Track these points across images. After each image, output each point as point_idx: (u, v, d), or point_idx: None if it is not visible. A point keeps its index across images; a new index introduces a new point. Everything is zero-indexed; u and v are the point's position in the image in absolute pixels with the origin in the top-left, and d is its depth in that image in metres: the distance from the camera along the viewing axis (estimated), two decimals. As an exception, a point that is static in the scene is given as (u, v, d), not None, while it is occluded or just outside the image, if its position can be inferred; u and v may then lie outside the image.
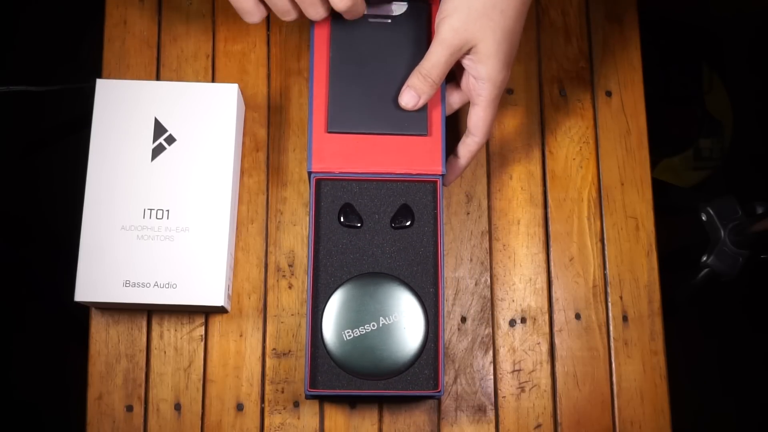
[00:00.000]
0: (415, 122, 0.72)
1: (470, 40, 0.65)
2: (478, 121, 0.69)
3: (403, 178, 0.72)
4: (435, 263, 0.71)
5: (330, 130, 0.71)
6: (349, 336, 0.67)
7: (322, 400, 0.75)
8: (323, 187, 0.72)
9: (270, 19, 0.84)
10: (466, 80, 0.70)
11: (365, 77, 0.73)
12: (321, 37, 0.74)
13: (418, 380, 0.69)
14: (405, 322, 0.68)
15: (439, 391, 0.68)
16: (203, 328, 0.76)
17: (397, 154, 0.72)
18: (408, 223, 0.72)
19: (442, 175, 0.72)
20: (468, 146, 0.71)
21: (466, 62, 0.67)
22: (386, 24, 0.74)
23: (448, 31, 0.65)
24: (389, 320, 0.68)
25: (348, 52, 0.73)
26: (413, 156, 0.72)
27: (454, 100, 0.74)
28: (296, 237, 0.79)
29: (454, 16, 0.64)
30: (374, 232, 0.72)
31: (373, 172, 0.72)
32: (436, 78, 0.67)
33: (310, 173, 0.71)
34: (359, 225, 0.71)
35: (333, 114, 0.72)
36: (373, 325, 0.67)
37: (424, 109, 0.72)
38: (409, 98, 0.69)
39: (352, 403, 0.76)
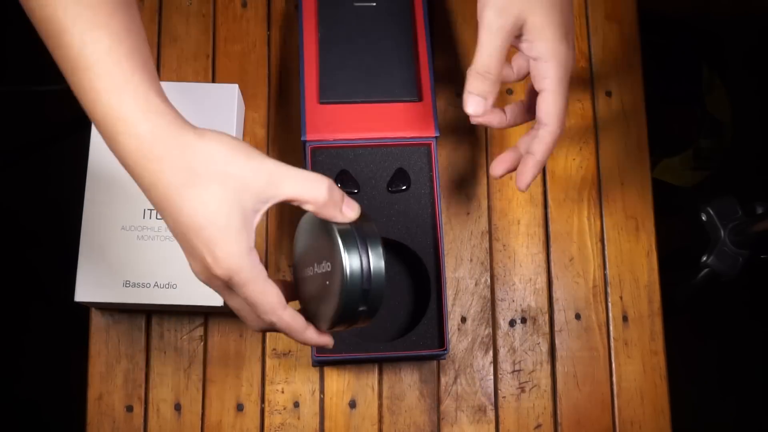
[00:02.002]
0: (405, 88, 0.74)
1: (519, 16, 0.58)
2: (548, 108, 0.60)
3: (397, 143, 0.73)
4: (434, 224, 0.72)
5: (322, 101, 0.74)
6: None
7: (326, 365, 0.75)
8: (318, 155, 0.73)
9: (270, 19, 0.84)
10: (523, 65, 0.63)
11: (354, 51, 0.75)
12: (309, 17, 0.76)
13: (423, 341, 0.70)
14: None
15: (444, 350, 0.69)
16: (203, 328, 0.76)
17: (390, 120, 0.73)
18: (404, 187, 0.73)
19: (436, 138, 0.73)
20: (542, 139, 0.61)
21: (522, 46, 0.60)
22: (371, 7, 0.77)
23: (494, 15, 0.58)
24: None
25: (336, 31, 0.76)
26: (406, 121, 0.73)
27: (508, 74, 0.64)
28: (296, 237, 0.79)
29: None
30: (371, 198, 0.73)
31: (367, 138, 0.73)
32: (495, 72, 0.59)
33: (304, 143, 0.72)
34: (356, 191, 0.73)
35: (324, 85, 0.74)
36: (311, 270, 0.57)
37: (413, 74, 0.74)
38: (475, 105, 0.60)
39: (352, 402, 0.76)
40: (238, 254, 0.49)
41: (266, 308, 0.51)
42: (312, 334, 0.54)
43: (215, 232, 0.48)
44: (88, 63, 0.48)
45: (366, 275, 0.52)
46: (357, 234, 0.52)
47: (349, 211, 0.53)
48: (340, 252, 0.51)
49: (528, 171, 0.62)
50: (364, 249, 0.52)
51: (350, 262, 0.51)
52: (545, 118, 0.60)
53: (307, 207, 0.52)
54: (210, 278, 0.51)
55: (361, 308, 0.53)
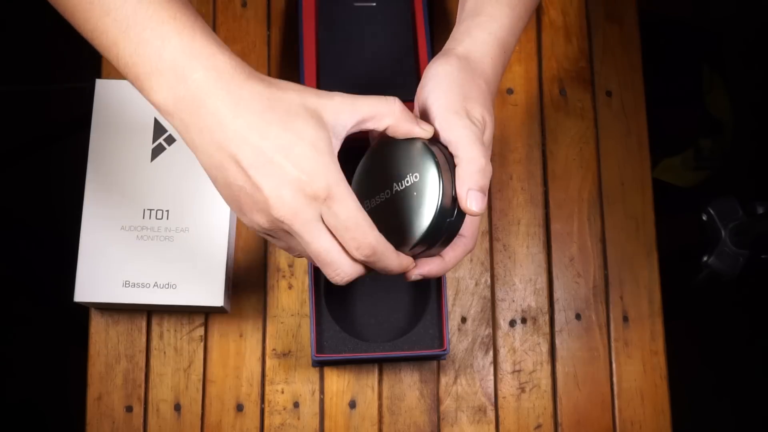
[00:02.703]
0: (405, 88, 0.74)
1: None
2: (472, 219, 0.57)
3: None
4: None
5: None
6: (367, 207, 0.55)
7: (326, 365, 0.75)
8: None
9: (270, 19, 0.84)
10: None
11: (354, 50, 0.76)
12: (309, 17, 0.77)
13: (423, 341, 0.70)
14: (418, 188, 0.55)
15: (444, 350, 0.69)
16: (203, 328, 0.76)
17: None
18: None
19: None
20: (456, 247, 0.57)
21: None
22: (371, 7, 0.77)
23: (463, 120, 0.54)
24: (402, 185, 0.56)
25: (336, 30, 0.76)
26: None
27: None
28: (296, 237, 0.79)
29: (456, 102, 0.55)
30: None
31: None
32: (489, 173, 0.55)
33: None
34: None
35: (324, 85, 0.75)
36: (387, 193, 0.55)
37: (413, 74, 0.75)
38: (481, 203, 0.53)
39: (352, 402, 0.76)
40: (333, 166, 0.48)
41: (365, 227, 0.48)
42: (406, 259, 0.52)
43: (308, 148, 0.47)
44: (138, 19, 0.48)
45: (455, 183, 0.52)
46: (442, 150, 0.53)
47: (426, 125, 0.53)
48: (432, 156, 0.51)
49: (431, 268, 0.56)
50: (448, 161, 0.52)
51: (441, 165, 0.51)
52: (463, 230, 0.56)
53: (384, 123, 0.52)
54: (298, 205, 0.47)
55: (449, 219, 0.52)
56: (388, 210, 0.54)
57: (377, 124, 0.52)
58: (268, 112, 0.48)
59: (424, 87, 0.57)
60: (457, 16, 0.62)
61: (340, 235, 0.49)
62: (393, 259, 0.51)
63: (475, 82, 0.57)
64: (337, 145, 0.50)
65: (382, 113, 0.52)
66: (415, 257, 0.55)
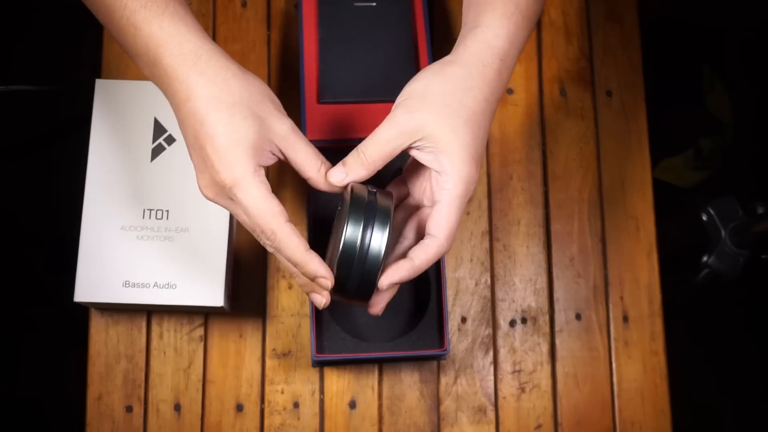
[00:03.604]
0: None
1: (424, 125, 0.56)
2: (440, 221, 0.57)
3: None
4: None
5: (322, 101, 0.74)
6: None
7: (326, 365, 0.75)
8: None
9: (270, 19, 0.84)
10: (426, 183, 0.61)
11: (354, 50, 0.76)
12: (309, 16, 0.77)
13: (423, 341, 0.70)
14: None
15: (444, 350, 0.69)
16: (203, 328, 0.76)
17: None
18: None
19: None
20: (427, 248, 0.57)
21: (426, 156, 0.57)
22: (371, 7, 0.77)
23: (402, 113, 0.57)
24: None
25: (336, 30, 0.76)
26: None
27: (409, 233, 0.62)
28: (296, 237, 0.79)
29: (410, 99, 0.57)
30: None
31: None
32: (377, 166, 0.57)
33: None
34: None
35: (324, 85, 0.74)
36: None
37: (413, 74, 0.75)
38: (337, 174, 0.57)
39: (352, 402, 0.76)
40: (245, 164, 0.54)
41: (267, 216, 0.54)
42: (314, 260, 0.55)
43: (228, 142, 0.53)
44: (123, 2, 0.55)
45: (364, 246, 0.54)
46: (368, 206, 0.55)
47: (338, 176, 0.57)
48: (345, 216, 0.55)
49: (399, 272, 0.57)
50: (370, 221, 0.55)
51: (350, 230, 0.54)
52: (435, 230, 0.57)
53: (306, 176, 0.58)
54: (216, 189, 0.55)
55: (351, 281, 0.55)
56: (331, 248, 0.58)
57: (301, 171, 0.58)
58: (214, 102, 0.54)
59: (400, 94, 0.59)
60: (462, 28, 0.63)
61: (247, 219, 0.55)
62: (296, 251, 0.55)
63: (454, 89, 0.58)
64: (265, 157, 0.56)
65: (306, 170, 0.57)
66: (349, 291, 0.56)
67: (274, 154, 0.57)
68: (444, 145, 0.56)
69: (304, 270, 0.55)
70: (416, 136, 0.56)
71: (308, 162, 0.57)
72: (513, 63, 0.61)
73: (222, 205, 0.57)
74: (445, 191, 0.57)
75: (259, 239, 0.56)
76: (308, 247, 0.55)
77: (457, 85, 0.58)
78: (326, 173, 0.58)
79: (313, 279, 0.55)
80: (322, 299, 0.57)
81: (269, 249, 0.56)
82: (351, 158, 0.58)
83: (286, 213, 0.55)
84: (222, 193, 0.55)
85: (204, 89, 0.54)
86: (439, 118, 0.56)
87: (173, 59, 0.55)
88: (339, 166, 0.58)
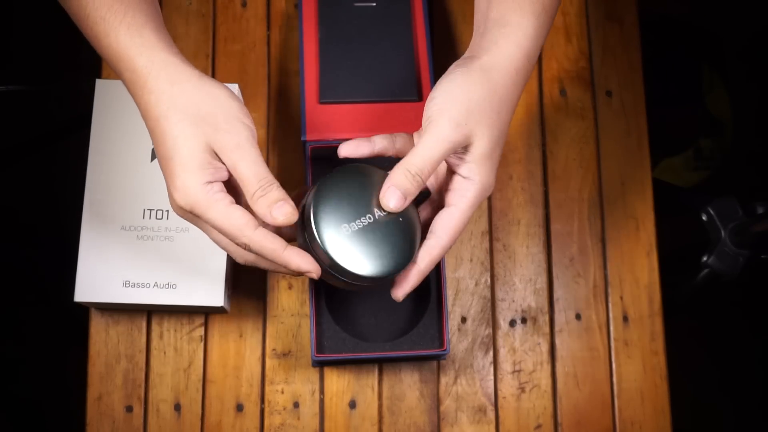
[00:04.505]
0: (405, 88, 0.74)
1: (470, 136, 0.55)
2: (450, 224, 0.57)
3: None
4: None
5: (322, 101, 0.74)
6: (348, 231, 0.56)
7: (326, 365, 0.75)
8: (318, 155, 0.73)
9: (270, 19, 0.84)
10: (441, 180, 0.61)
11: (354, 50, 0.76)
12: (309, 17, 0.77)
13: (423, 341, 0.70)
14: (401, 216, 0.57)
15: (444, 350, 0.69)
16: (203, 328, 0.76)
17: (389, 119, 0.73)
18: None
19: None
20: (431, 250, 0.57)
21: (457, 162, 0.57)
22: (371, 7, 0.77)
23: (448, 125, 0.54)
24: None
25: (336, 30, 0.76)
26: (405, 121, 0.73)
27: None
28: (296, 237, 0.79)
29: (453, 109, 0.55)
30: None
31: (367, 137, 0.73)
32: (427, 177, 0.55)
33: (304, 142, 0.72)
34: None
35: (324, 85, 0.74)
36: (369, 218, 0.56)
37: (413, 74, 0.74)
38: (396, 201, 0.55)
39: (352, 402, 0.76)
40: (194, 186, 0.52)
41: (234, 231, 0.53)
42: (292, 254, 0.54)
43: (177, 165, 0.53)
44: (86, 12, 0.55)
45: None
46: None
47: (279, 213, 0.53)
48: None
49: (409, 280, 0.57)
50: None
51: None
52: (441, 232, 0.57)
53: (247, 196, 0.54)
54: (179, 212, 0.54)
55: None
56: (371, 234, 0.55)
57: (241, 191, 0.55)
58: (161, 121, 0.53)
59: (434, 91, 0.57)
60: (477, 22, 0.61)
61: (224, 234, 0.54)
62: (273, 255, 0.54)
63: (488, 96, 0.56)
64: (215, 171, 0.53)
65: (245, 188, 0.54)
66: (386, 278, 0.56)
67: (223, 169, 0.54)
68: (480, 158, 0.56)
69: (288, 270, 0.55)
70: (460, 147, 0.56)
71: (245, 182, 0.53)
72: (536, 60, 0.61)
73: (193, 224, 0.56)
74: (464, 198, 0.56)
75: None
76: (285, 245, 0.54)
77: (496, 95, 0.56)
78: (259, 199, 0.53)
79: (300, 275, 0.56)
80: (315, 275, 0.57)
81: (246, 252, 0.55)
82: (403, 179, 0.55)
83: (254, 220, 0.53)
84: (186, 215, 0.55)
85: (154, 108, 0.53)
86: (483, 132, 0.56)
87: (130, 74, 0.54)
88: (392, 190, 0.55)
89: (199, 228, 0.56)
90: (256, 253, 0.54)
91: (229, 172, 0.54)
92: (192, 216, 0.54)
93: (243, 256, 0.55)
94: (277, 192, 0.53)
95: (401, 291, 0.57)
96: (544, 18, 0.59)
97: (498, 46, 0.57)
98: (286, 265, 0.54)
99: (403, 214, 0.56)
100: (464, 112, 0.55)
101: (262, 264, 0.56)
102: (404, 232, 0.56)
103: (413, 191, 0.55)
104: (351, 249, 0.54)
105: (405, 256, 0.56)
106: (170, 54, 0.55)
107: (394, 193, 0.55)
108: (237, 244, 0.54)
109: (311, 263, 0.55)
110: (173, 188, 0.53)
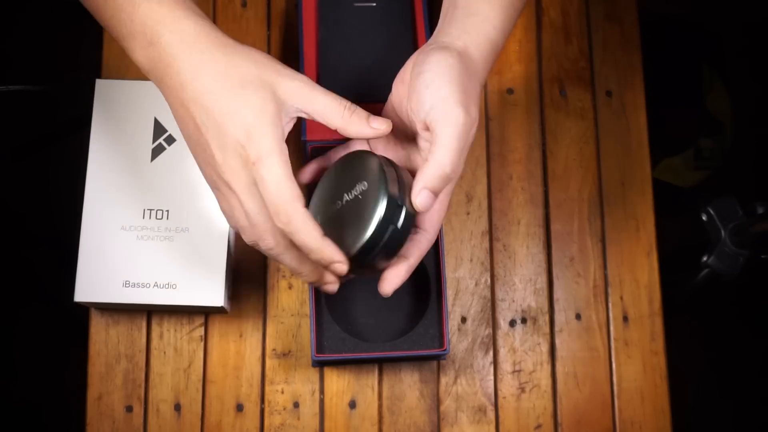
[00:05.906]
0: None
1: (438, 103, 0.56)
2: (432, 215, 0.59)
3: None
4: None
5: None
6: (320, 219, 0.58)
7: (326, 365, 0.75)
8: (318, 155, 0.73)
9: (270, 19, 0.84)
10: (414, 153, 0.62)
11: (354, 50, 0.75)
12: (309, 17, 0.77)
13: (423, 340, 0.70)
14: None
15: (444, 350, 0.69)
16: (203, 328, 0.76)
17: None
18: None
19: None
20: (419, 245, 0.59)
21: (423, 144, 0.58)
22: (371, 7, 0.77)
23: (464, 114, 0.54)
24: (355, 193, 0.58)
25: (336, 31, 0.76)
26: None
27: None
28: (296, 237, 0.79)
29: (458, 92, 0.55)
30: None
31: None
32: (457, 174, 0.56)
33: (304, 142, 0.73)
34: None
35: (324, 85, 0.74)
36: (338, 204, 0.57)
37: None
38: (428, 200, 0.55)
39: (352, 402, 0.76)
40: (272, 137, 0.52)
41: (286, 197, 0.51)
42: (330, 246, 0.53)
43: (251, 115, 0.52)
44: None
45: (401, 190, 0.54)
46: (391, 163, 0.56)
47: (378, 123, 0.55)
48: (379, 167, 0.54)
49: (398, 275, 0.58)
50: (397, 172, 0.55)
51: (388, 174, 0.53)
52: (426, 224, 0.59)
53: (333, 124, 0.55)
54: (236, 165, 0.52)
55: (392, 227, 0.54)
56: (338, 220, 0.56)
57: (326, 121, 0.55)
58: (222, 78, 0.52)
59: (421, 74, 0.57)
60: (446, 9, 0.62)
61: (265, 197, 0.52)
62: (312, 237, 0.53)
63: (471, 81, 0.57)
64: (287, 121, 0.54)
65: (332, 115, 0.55)
66: (366, 266, 0.56)
67: (292, 118, 0.55)
68: (436, 139, 0.55)
69: (319, 256, 0.53)
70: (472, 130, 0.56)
71: (329, 110, 0.55)
72: (499, 53, 0.63)
73: (228, 188, 0.53)
74: (443, 192, 0.58)
75: (262, 227, 0.53)
76: (323, 233, 0.53)
77: (462, 71, 0.57)
78: (351, 116, 0.55)
79: (327, 265, 0.54)
80: (334, 287, 0.57)
81: (278, 224, 0.53)
82: (437, 182, 0.55)
83: (303, 198, 0.53)
84: (238, 172, 0.52)
85: (210, 67, 0.52)
86: (447, 106, 0.55)
87: (172, 36, 0.53)
88: (425, 192, 0.55)
89: (234, 190, 0.53)
90: (291, 233, 0.52)
91: (300, 116, 0.55)
92: (245, 174, 0.52)
93: (266, 236, 0.53)
94: (363, 110, 0.56)
95: (390, 286, 0.58)
96: (511, 11, 0.61)
97: (469, 35, 0.59)
98: (321, 250, 0.53)
99: (365, 195, 0.55)
100: (465, 96, 0.55)
101: (277, 249, 0.54)
102: (364, 209, 0.55)
103: (445, 188, 0.56)
104: (330, 232, 0.55)
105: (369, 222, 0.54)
106: (209, 20, 0.55)
107: (425, 193, 0.55)
108: (275, 210, 0.52)
109: (343, 255, 0.54)
110: (246, 136, 0.51)
